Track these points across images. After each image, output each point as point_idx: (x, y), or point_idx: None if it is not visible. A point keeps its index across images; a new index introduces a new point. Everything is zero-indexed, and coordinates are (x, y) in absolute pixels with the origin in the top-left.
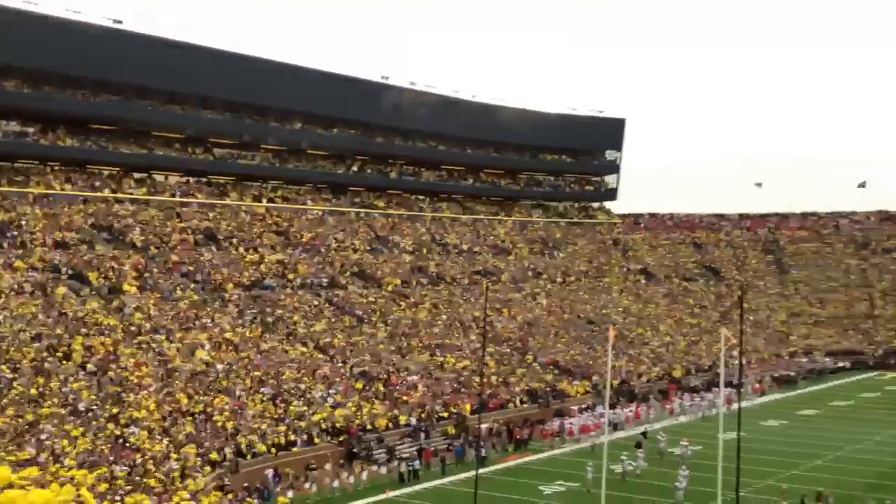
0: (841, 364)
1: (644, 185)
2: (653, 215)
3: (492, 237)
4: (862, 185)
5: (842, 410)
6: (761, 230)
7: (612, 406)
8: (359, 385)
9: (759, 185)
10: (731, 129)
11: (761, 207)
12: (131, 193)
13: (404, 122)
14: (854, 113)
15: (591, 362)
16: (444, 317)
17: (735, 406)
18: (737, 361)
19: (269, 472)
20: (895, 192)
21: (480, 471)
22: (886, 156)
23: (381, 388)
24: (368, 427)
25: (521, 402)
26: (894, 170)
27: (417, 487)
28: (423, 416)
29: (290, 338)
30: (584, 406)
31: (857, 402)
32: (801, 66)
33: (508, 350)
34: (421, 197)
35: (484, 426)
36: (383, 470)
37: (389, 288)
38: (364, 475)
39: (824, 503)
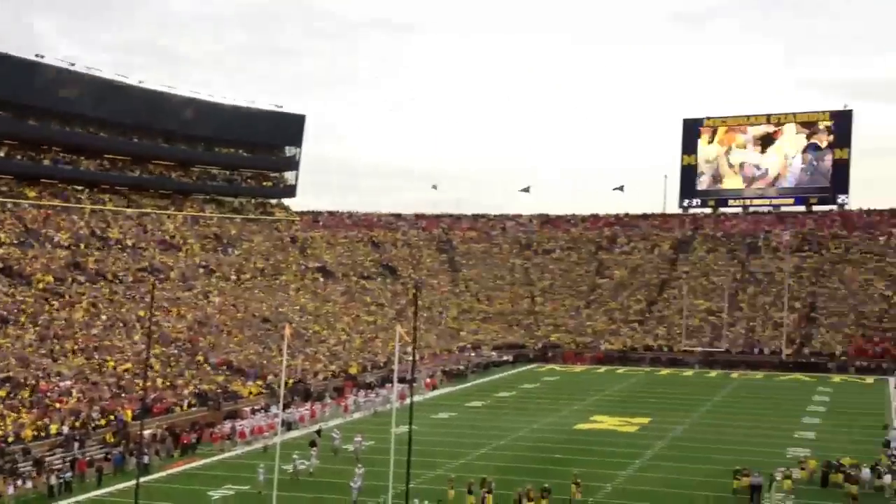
0: (505, 357)
1: (326, 181)
2: (332, 213)
3: (160, 232)
4: (525, 190)
5: (506, 401)
6: (436, 230)
7: (287, 405)
8: (2, 393)
9: (434, 187)
10: (411, 133)
11: (436, 208)
12: None
13: (62, 104)
14: (519, 123)
15: (265, 362)
16: (105, 317)
17: (408, 401)
18: (411, 357)
19: None
20: (554, 197)
21: (143, 479)
22: (547, 164)
23: (28, 396)
24: (12, 438)
25: (190, 405)
26: (553, 177)
27: (69, 501)
28: (76, 423)
29: None
30: (257, 407)
31: (519, 393)
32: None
33: (176, 351)
34: (79, 187)
35: (147, 432)
36: (29, 484)
37: (40, 286)
38: (10, 490)
39: (487, 488)
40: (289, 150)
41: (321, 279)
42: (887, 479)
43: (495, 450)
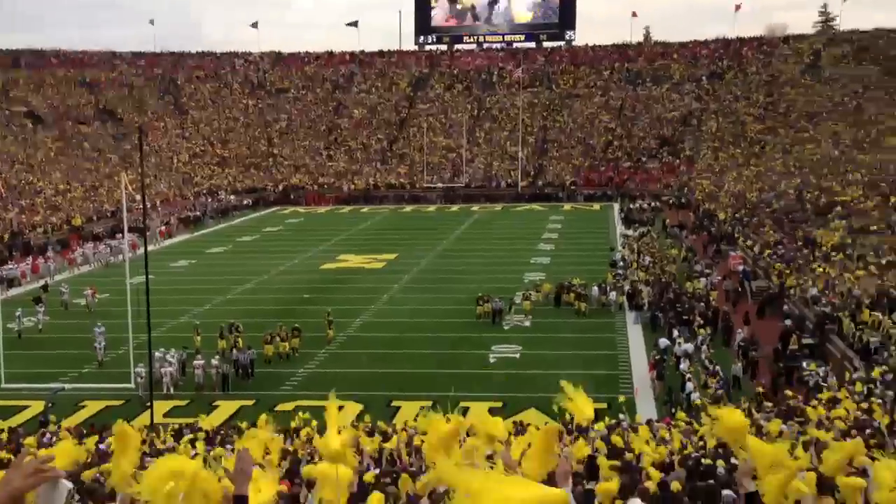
0: (245, 201)
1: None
2: (35, 52)
3: None
4: (253, 26)
5: (248, 245)
6: (157, 70)
7: (5, 261)
8: None
9: (151, 22)
10: None
11: (157, 46)
12: None
13: None
14: None
15: None
16: None
17: (141, 250)
18: (140, 206)
19: None
20: (286, 34)
21: None
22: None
23: None
24: None
25: None
26: (285, 13)
27: None
28: None
29: None
30: None
31: (262, 237)
32: None
33: None
34: None
35: None
36: None
37: None
38: None
39: (236, 332)
40: None
41: (30, 125)
42: (612, 295)
43: (241, 294)
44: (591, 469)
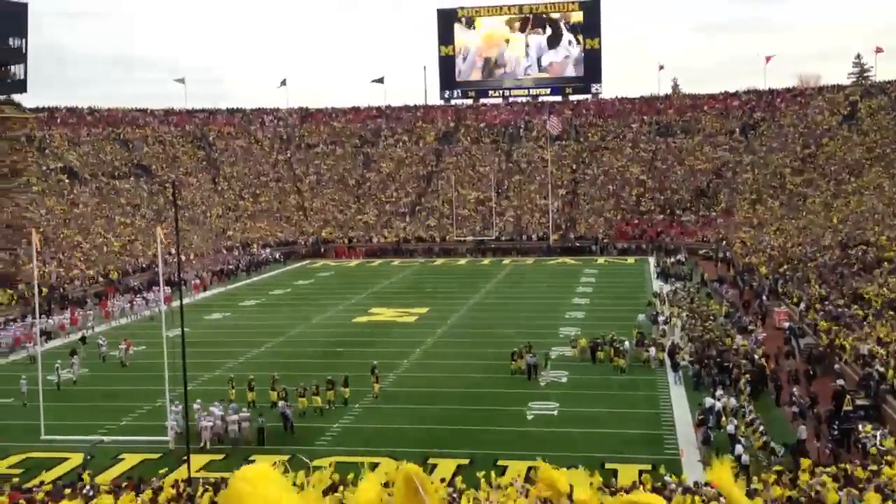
0: (277, 255)
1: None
2: (71, 110)
3: None
4: (283, 83)
5: (281, 298)
6: (189, 126)
7: (45, 314)
8: None
9: (181, 81)
10: (146, 21)
11: (187, 103)
12: None
13: None
14: (267, 14)
15: (13, 269)
16: None
17: (177, 303)
18: (175, 259)
19: None
20: (312, 90)
21: None
22: (304, 57)
23: None
24: None
25: None
26: (311, 70)
27: None
28: None
29: None
30: (11, 317)
31: (294, 290)
32: None
33: None
34: None
35: None
36: None
37: None
38: None
39: (271, 384)
40: (13, 42)
41: (67, 181)
42: (652, 351)
43: (275, 347)
44: None
